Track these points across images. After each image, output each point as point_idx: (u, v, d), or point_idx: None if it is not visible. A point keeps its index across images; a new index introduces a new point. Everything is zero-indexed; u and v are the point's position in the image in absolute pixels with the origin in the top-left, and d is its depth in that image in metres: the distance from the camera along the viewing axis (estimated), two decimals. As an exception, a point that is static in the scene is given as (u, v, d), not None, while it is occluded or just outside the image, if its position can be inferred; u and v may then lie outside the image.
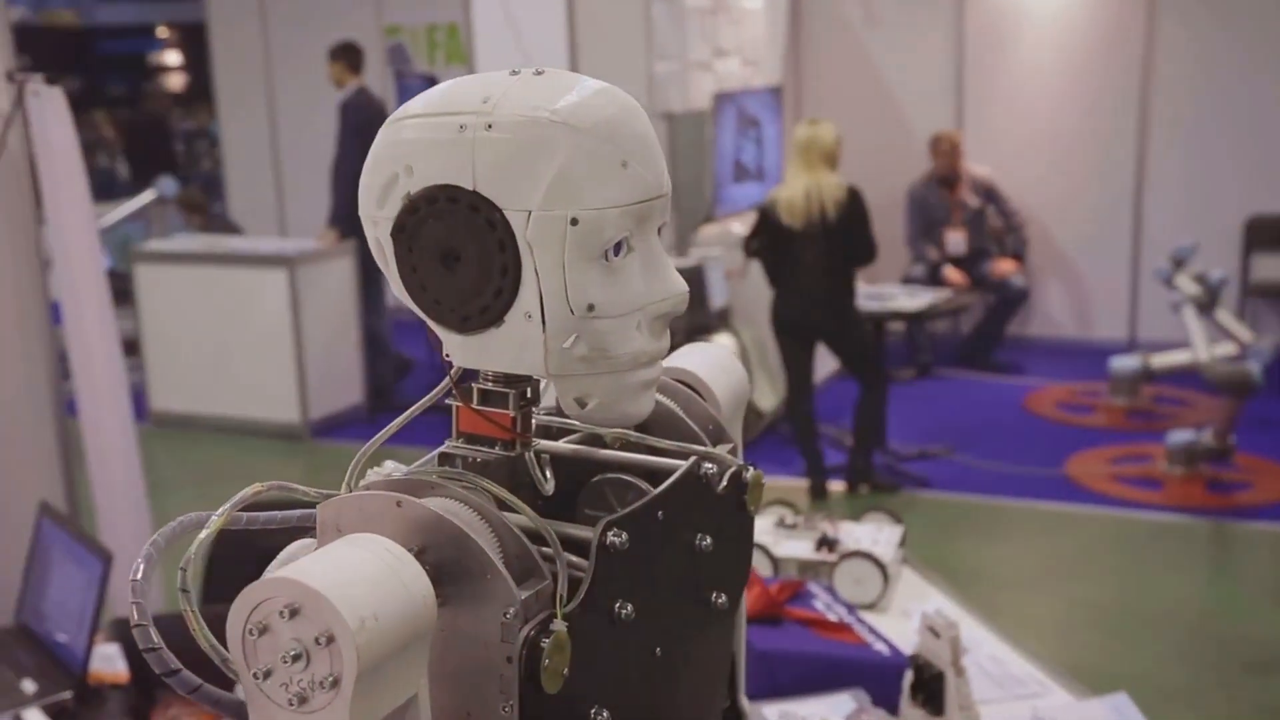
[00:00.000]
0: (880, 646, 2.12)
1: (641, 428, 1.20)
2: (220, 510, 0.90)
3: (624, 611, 0.99)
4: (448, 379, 1.05)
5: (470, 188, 0.94)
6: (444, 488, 0.95)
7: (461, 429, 1.06)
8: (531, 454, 1.10)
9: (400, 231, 0.97)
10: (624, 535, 0.97)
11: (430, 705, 0.91)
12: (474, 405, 1.05)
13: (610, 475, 1.15)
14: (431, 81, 6.55)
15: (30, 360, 3.60)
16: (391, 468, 1.12)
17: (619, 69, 6.18)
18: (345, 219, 6.48)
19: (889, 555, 2.51)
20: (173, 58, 14.27)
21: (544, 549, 0.97)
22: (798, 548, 2.56)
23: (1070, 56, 7.85)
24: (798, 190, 5.32)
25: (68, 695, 2.59)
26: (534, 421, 1.15)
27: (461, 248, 0.95)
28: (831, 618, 2.20)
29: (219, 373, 6.80)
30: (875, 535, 2.60)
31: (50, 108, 3.30)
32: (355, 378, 6.94)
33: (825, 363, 6.24)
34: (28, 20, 14.32)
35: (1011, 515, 5.46)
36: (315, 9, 8.42)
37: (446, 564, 0.90)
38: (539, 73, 0.99)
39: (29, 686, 2.65)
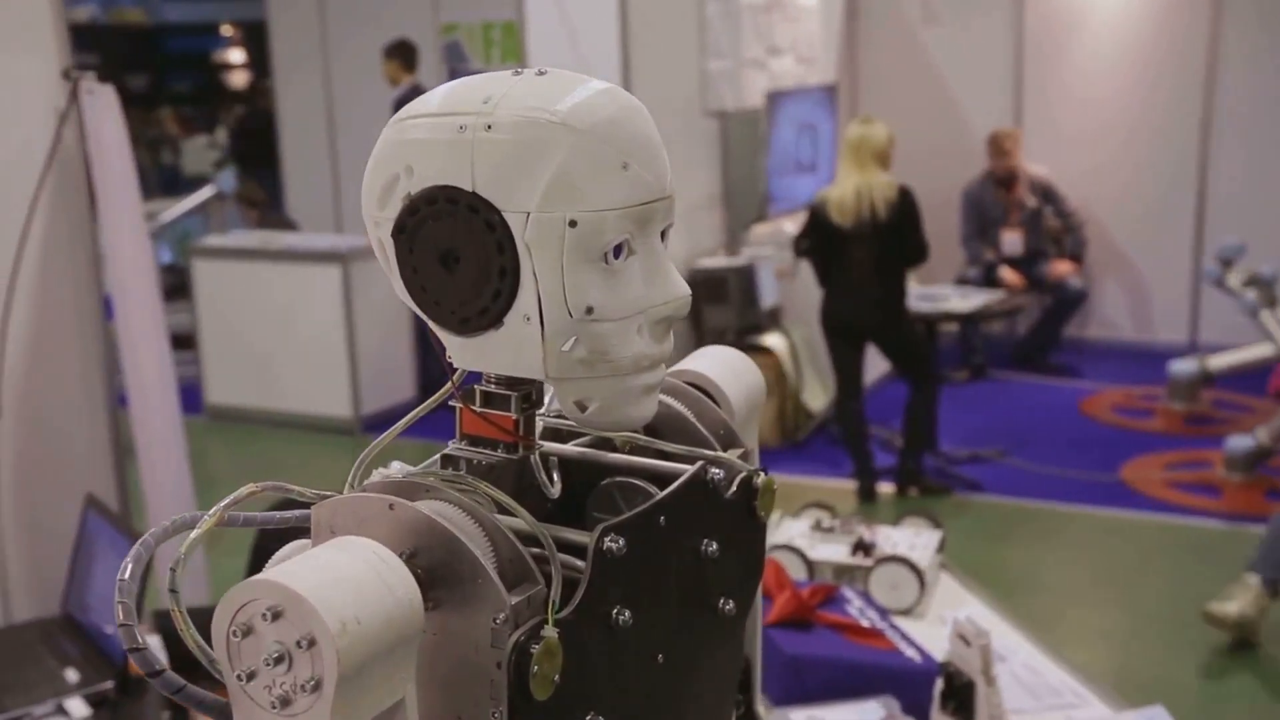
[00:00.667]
0: (912, 653, 2.09)
1: (651, 431, 1.19)
2: (213, 510, 0.90)
3: (622, 618, 0.98)
4: (451, 382, 1.05)
5: (469, 189, 0.93)
6: (439, 491, 0.95)
7: (465, 431, 1.06)
8: (537, 457, 1.09)
9: (400, 232, 0.96)
10: (621, 541, 0.96)
11: (421, 709, 0.91)
12: (476, 407, 1.04)
13: (619, 479, 1.15)
14: (484, 80, 6.62)
15: (84, 353, 3.66)
16: (397, 469, 1.12)
17: (671, 67, 6.17)
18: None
19: (926, 560, 2.48)
20: (236, 55, 14.45)
21: (543, 553, 0.97)
22: (833, 551, 2.53)
23: (1132, 54, 7.73)
24: (848, 189, 5.29)
25: (109, 685, 2.63)
26: (542, 424, 1.14)
27: (461, 249, 0.95)
28: (864, 623, 2.18)
29: (273, 367, 6.87)
30: (913, 540, 2.57)
31: (102, 105, 3.34)
32: (407, 373, 6.99)
33: (877, 364, 6.19)
34: (97, 19, 14.56)
35: (1064, 520, 5.39)
36: (373, 7, 8.48)
37: (438, 567, 0.89)
38: (541, 73, 0.98)
39: (72, 676, 2.69)
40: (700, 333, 6.30)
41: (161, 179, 11.39)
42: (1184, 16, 7.55)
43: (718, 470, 1.11)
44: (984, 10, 8.00)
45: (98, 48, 14.00)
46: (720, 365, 1.29)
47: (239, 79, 14.26)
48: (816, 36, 7.43)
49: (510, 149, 0.93)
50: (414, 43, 6.92)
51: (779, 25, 6.93)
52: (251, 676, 0.79)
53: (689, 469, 1.10)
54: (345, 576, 0.81)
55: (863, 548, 2.51)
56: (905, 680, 2.02)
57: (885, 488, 5.66)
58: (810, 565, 2.49)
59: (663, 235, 1.02)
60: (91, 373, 3.67)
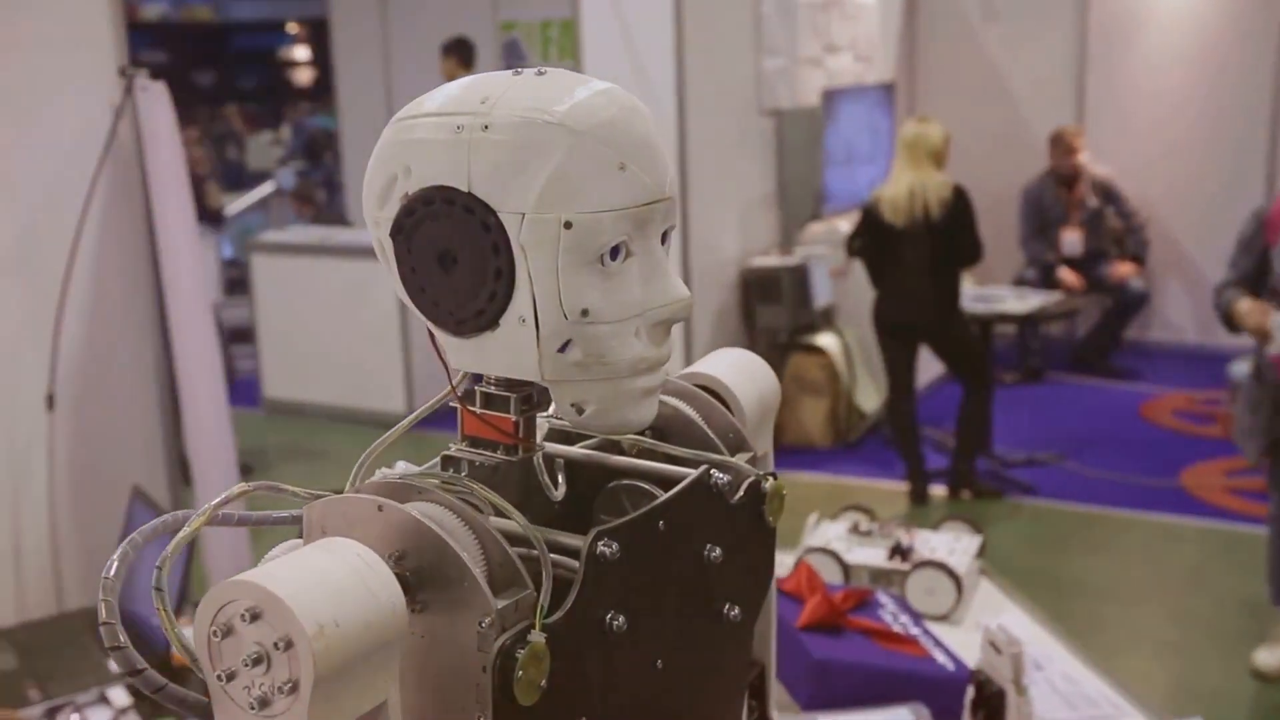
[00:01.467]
0: (944, 660, 2.07)
1: (658, 435, 1.18)
2: (203, 509, 0.90)
3: (616, 623, 0.97)
4: (455, 383, 1.05)
5: (465, 189, 0.93)
6: (430, 493, 0.94)
7: (466, 432, 1.06)
8: (540, 459, 1.09)
9: (398, 232, 0.96)
10: (615, 545, 0.96)
11: (409, 711, 0.91)
12: (477, 409, 1.04)
13: (626, 482, 1.14)
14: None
15: (137, 346, 3.72)
16: (403, 468, 1.12)
17: (726, 65, 6.15)
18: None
19: (964, 566, 2.45)
20: (301, 53, 14.61)
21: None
22: (870, 555, 2.51)
23: (1198, 49, 7.58)
24: (902, 188, 5.24)
25: (150, 675, 2.65)
26: (547, 426, 1.14)
27: (457, 250, 0.94)
28: (896, 628, 2.15)
29: (329, 361, 6.94)
30: (952, 545, 2.53)
31: (154, 101, 3.39)
32: (460, 369, 7.01)
33: (931, 365, 6.13)
34: (169, 17, 14.80)
35: (1121, 526, 5.30)
36: (433, 4, 8.53)
37: (426, 570, 0.89)
38: (541, 73, 0.97)
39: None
40: (753, 332, 6.27)
41: (228, 175, 11.54)
42: (1253, 10, 7.39)
43: (721, 475, 1.10)
44: (1046, 6, 7.89)
45: (167, 45, 14.24)
46: (733, 368, 1.27)
47: (304, 76, 14.42)
48: (875, 34, 7.37)
49: (506, 150, 0.92)
50: (471, 40, 6.96)
51: (836, 23, 6.89)
52: (231, 677, 0.79)
53: (692, 473, 1.09)
54: (326, 579, 0.81)
55: (900, 552, 2.48)
56: (935, 687, 1.99)
57: (937, 490, 5.60)
58: (846, 569, 2.47)
59: (664, 237, 1.01)
60: (144, 365, 3.73)
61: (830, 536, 2.58)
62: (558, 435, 1.16)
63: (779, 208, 6.59)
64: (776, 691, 2.10)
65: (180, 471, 3.84)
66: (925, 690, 1.99)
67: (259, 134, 12.72)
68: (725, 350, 1.33)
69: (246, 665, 0.79)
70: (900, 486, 5.63)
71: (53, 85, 3.48)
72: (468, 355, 0.99)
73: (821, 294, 6.27)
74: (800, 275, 6.18)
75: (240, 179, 11.52)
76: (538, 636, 0.88)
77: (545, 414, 1.07)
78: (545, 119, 0.93)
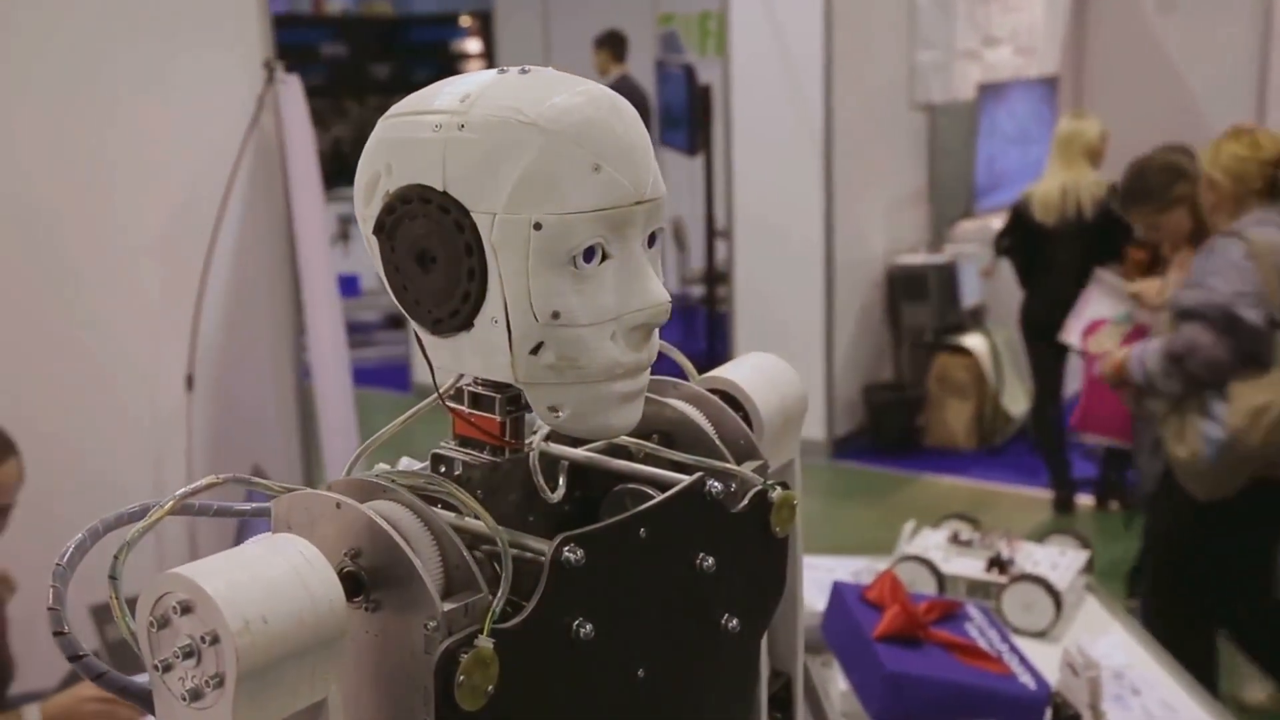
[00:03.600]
0: (1026, 679, 1.99)
1: (666, 439, 1.16)
2: (167, 499, 0.92)
3: (583, 630, 0.95)
4: (447, 386, 1.05)
5: (441, 188, 0.93)
6: (393, 492, 0.94)
7: (456, 431, 1.06)
8: (535, 460, 1.08)
9: (380, 230, 0.97)
10: (580, 552, 0.94)
11: (362, 710, 0.91)
12: (465, 408, 1.04)
13: (632, 486, 1.12)
14: (688, 71, 6.60)
15: (275, 329, 3.86)
16: (405, 463, 1.13)
17: (877, 58, 6.04)
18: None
19: (1066, 582, 2.35)
20: (473, 45, 14.90)
21: (530, 554, 0.96)
22: (967, 566, 2.43)
23: (1393, 45, 7.13)
24: (1054, 186, 5.07)
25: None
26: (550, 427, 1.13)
27: (435, 249, 0.94)
28: (981, 643, 2.08)
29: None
30: (1055, 559, 2.44)
31: (290, 94, 3.51)
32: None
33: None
34: (350, 11, 15.28)
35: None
36: (593, -3, 8.61)
37: (379, 569, 0.89)
38: (524, 71, 0.97)
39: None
40: (898, 331, 6.16)
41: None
42: None
43: (717, 483, 1.07)
44: (1227, -3, 7.53)
45: (348, 38, 14.70)
46: (756, 373, 1.24)
47: (474, 68, 14.71)
48: (1038, 26, 7.14)
49: (479, 149, 0.92)
50: (624, 33, 6.99)
51: (997, 14, 6.70)
52: (168, 668, 0.81)
53: (684, 480, 1.07)
54: (260, 575, 0.81)
55: (998, 564, 2.40)
56: (1012, 706, 1.92)
57: (1084, 500, 5.41)
58: (941, 579, 2.40)
59: (651, 240, 0.99)
60: (280, 348, 3.87)
61: (928, 545, 2.51)
62: (565, 437, 1.15)
63: (929, 204, 6.44)
64: (849, 702, 2.06)
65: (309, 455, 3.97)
66: (1002, 709, 1.92)
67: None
68: (753, 355, 1.30)
69: (178, 657, 0.80)
70: (1044, 494, 5.46)
71: (202, 76, 3.62)
72: (447, 355, 0.99)
73: (970, 294, 6.12)
74: (948, 274, 6.04)
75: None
76: (485, 642, 0.87)
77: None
78: (518, 119, 0.92)
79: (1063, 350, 5.30)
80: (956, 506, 5.56)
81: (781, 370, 1.27)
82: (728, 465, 1.12)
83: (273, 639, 0.79)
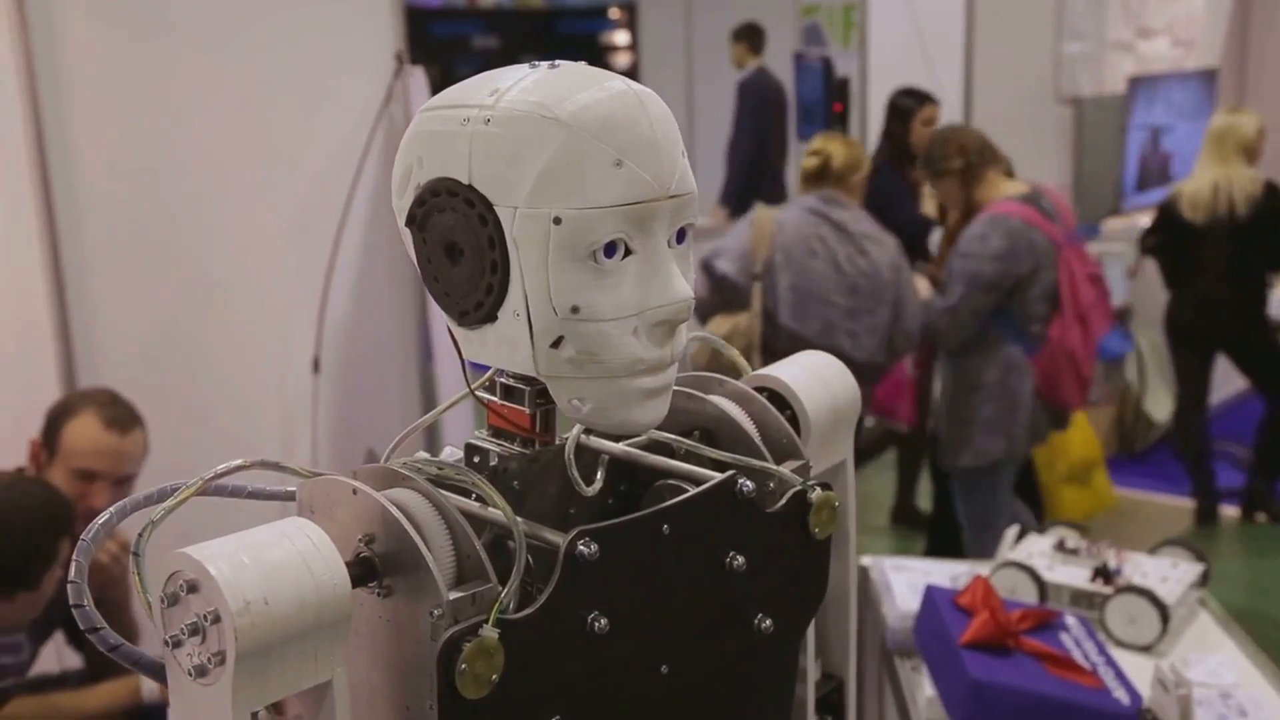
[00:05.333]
0: (1120, 694, 1.92)
1: (708, 436, 1.16)
2: (193, 481, 0.95)
3: (598, 624, 0.96)
4: (481, 379, 1.06)
5: (467, 182, 0.94)
6: (411, 480, 0.96)
7: (490, 422, 1.07)
8: (570, 453, 1.09)
9: (411, 222, 0.98)
10: (594, 546, 0.94)
11: (374, 693, 0.93)
12: (498, 400, 1.05)
13: (672, 482, 1.12)
14: (825, 64, 6.53)
15: (399, 312, 3.94)
16: (448, 452, 1.15)
17: (1021, 50, 5.87)
18: (735, 197, 6.58)
19: (1175, 595, 2.26)
20: (621, 37, 14.97)
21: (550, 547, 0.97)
22: (1072, 575, 2.36)
23: None
24: (1205, 183, 4.87)
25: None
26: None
27: (462, 242, 0.95)
28: (1076, 655, 2.01)
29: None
30: (1165, 572, 2.35)
31: (415, 86, 3.58)
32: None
33: (1234, 376, 5.67)
34: (502, 5, 15.52)
35: None
36: (737, -12, 8.57)
37: (391, 556, 0.91)
38: (554, 66, 0.97)
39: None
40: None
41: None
42: None
43: (748, 482, 1.06)
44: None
45: (501, 30, 14.92)
46: (806, 373, 1.23)
47: (622, 60, 14.79)
48: (1199, 16, 6.85)
49: (503, 143, 0.93)
50: (761, 25, 6.94)
51: (1154, 4, 6.45)
52: (178, 644, 0.84)
53: (714, 478, 1.06)
54: (264, 557, 0.83)
55: (1104, 574, 2.32)
56: (1101, 722, 1.86)
57: (1229, 510, 5.19)
58: (1043, 587, 2.33)
59: (680, 235, 0.99)
60: (404, 335, 3.95)
61: (1032, 552, 2.44)
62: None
63: (1073, 201, 6.23)
64: (935, 709, 2.02)
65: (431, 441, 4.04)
66: (1091, 724, 1.86)
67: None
68: (806, 354, 1.28)
69: (185, 634, 0.82)
70: (1187, 503, 5.25)
71: (336, 67, 3.72)
72: (475, 347, 1.01)
73: (1115, 294, 5.90)
74: (1091, 273, 5.84)
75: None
76: (489, 631, 0.88)
77: None
78: (541, 114, 0.92)
79: (1210, 353, 5.10)
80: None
81: (834, 370, 1.26)
82: (766, 464, 1.11)
83: (273, 620, 0.82)
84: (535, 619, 0.92)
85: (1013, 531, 2.52)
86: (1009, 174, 3.92)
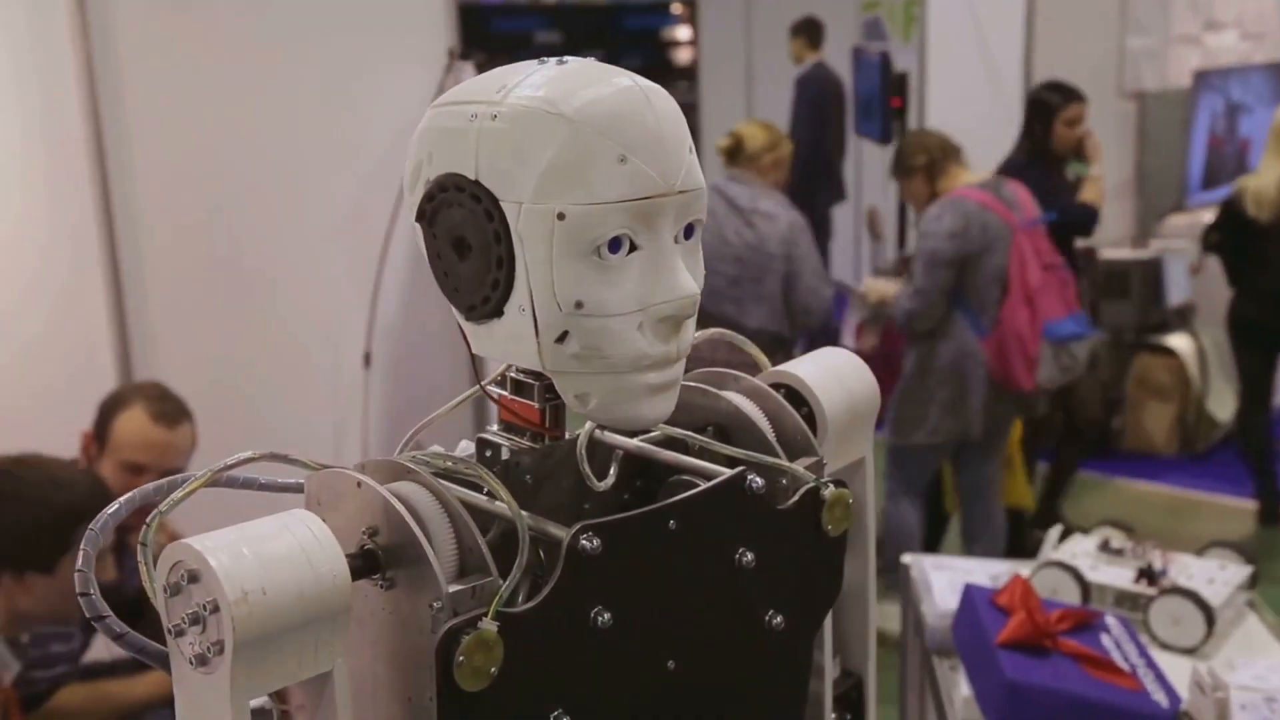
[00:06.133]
0: (1160, 697, 1.89)
1: (722, 432, 1.16)
2: (201, 473, 0.96)
3: (601, 619, 0.96)
4: (494, 375, 1.07)
5: (473, 177, 0.95)
6: (416, 474, 0.97)
7: (501, 417, 1.08)
8: (582, 448, 1.09)
9: (421, 217, 0.99)
10: (596, 540, 0.95)
11: (377, 685, 0.94)
12: (508, 394, 1.06)
13: (686, 477, 1.13)
14: (883, 58, 6.48)
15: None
16: (463, 447, 1.16)
17: (1083, 44, 5.79)
18: (791, 193, 6.53)
19: (1221, 598, 2.23)
20: (683, 32, 14.95)
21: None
22: (1116, 575, 2.33)
23: None
24: (1269, 180, 4.77)
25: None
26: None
27: (470, 237, 0.96)
28: (1115, 656, 1.99)
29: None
30: (1212, 574, 2.31)
31: (464, 79, 3.61)
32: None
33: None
34: (565, 2, 15.57)
35: None
36: (797, -19, 8.53)
37: (393, 548, 0.92)
38: (562, 62, 0.97)
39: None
40: (1096, 328, 5.91)
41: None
42: None
43: (758, 478, 1.06)
44: None
45: (563, 26, 14.96)
46: (823, 370, 1.22)
47: (683, 55, 14.77)
48: (1270, 8, 6.72)
49: (508, 139, 0.93)
50: (820, 20, 6.90)
51: (1221, -3, 6.34)
52: (180, 633, 0.85)
53: (724, 474, 1.06)
54: (265, 549, 0.84)
55: (1148, 575, 2.29)
56: (1138, 725, 1.83)
57: (1293, 512, 5.09)
58: (1085, 587, 2.30)
59: (689, 231, 0.99)
60: (453, 330, 3.97)
61: (1076, 552, 2.41)
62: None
63: (1136, 197, 6.16)
64: (972, 709, 2.00)
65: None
66: (1128, 727, 1.84)
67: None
68: (824, 350, 1.27)
69: (186, 623, 0.84)
70: (1249, 505, 5.16)
71: (390, 63, 3.76)
72: (483, 341, 1.01)
73: (1177, 291, 5.81)
74: (1153, 270, 5.76)
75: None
76: (489, 624, 0.89)
77: None
78: (547, 110, 0.93)
79: (1273, 352, 5.00)
80: (1152, 512, 5.33)
81: (853, 367, 1.25)
82: (778, 461, 1.11)
83: (271, 610, 0.83)
84: (536, 612, 0.92)
85: (1055, 531, 2.49)
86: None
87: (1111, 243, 6.01)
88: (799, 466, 1.12)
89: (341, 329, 3.72)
